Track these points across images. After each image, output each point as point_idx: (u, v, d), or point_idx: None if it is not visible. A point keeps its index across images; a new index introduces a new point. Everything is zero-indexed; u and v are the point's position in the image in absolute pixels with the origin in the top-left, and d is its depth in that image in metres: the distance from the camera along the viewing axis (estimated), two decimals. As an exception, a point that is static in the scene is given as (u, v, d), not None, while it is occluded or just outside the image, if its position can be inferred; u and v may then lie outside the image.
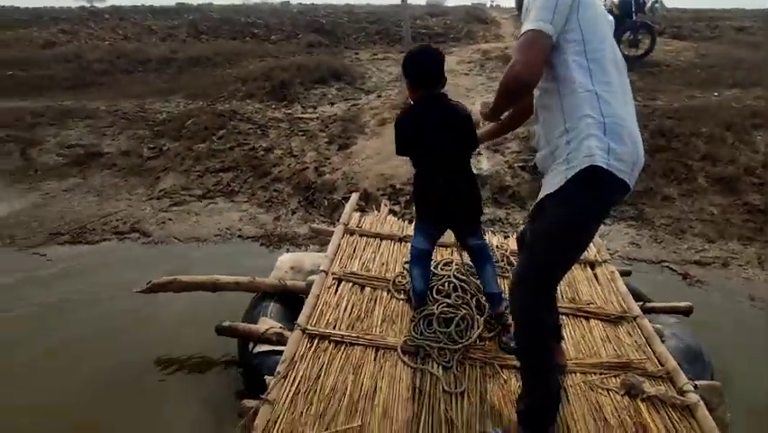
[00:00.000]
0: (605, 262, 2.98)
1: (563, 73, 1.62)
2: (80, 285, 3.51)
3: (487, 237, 3.22)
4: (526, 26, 1.59)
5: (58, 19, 12.69)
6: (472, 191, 2.27)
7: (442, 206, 2.22)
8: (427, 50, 2.17)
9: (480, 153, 4.93)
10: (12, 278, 3.58)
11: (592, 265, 2.95)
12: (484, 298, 2.40)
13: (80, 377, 2.66)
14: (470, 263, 2.51)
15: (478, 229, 2.39)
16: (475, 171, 2.23)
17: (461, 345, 2.19)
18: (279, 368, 2.02)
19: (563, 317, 2.40)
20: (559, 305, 2.20)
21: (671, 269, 3.80)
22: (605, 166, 1.54)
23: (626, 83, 1.69)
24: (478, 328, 2.28)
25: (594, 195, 1.61)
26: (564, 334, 2.24)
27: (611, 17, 1.78)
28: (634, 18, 7.70)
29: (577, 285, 2.76)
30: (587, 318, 2.51)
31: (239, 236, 4.20)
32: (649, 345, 2.33)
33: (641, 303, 2.68)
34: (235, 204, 4.67)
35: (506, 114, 1.99)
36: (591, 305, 2.59)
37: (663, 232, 4.21)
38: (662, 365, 2.20)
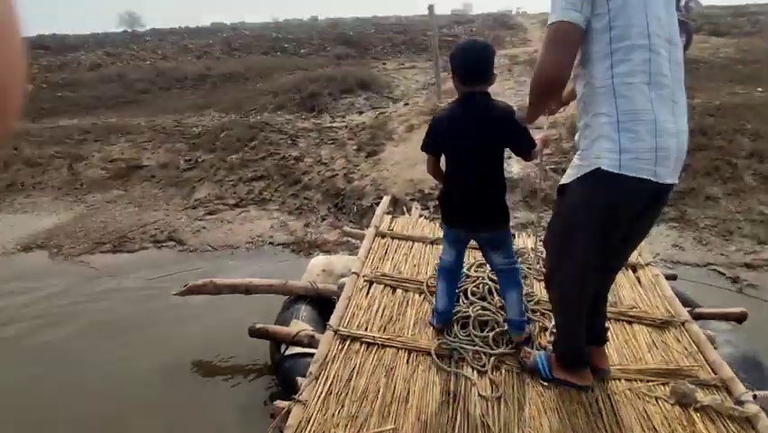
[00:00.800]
0: (648, 264, 2.84)
1: (588, 60, 1.55)
2: (119, 291, 3.63)
3: (522, 239, 3.15)
4: (553, 16, 1.50)
5: (103, 43, 13.39)
6: (499, 200, 2.03)
7: (465, 211, 2.03)
8: (476, 45, 1.92)
9: (509, 157, 4.83)
10: (58, 286, 3.73)
11: (634, 268, 2.81)
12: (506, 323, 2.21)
13: (115, 376, 2.71)
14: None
15: (504, 246, 2.10)
16: (506, 175, 2.02)
17: (498, 352, 2.12)
18: (312, 368, 2.00)
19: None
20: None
21: (718, 272, 3.59)
22: (613, 169, 1.51)
23: (667, 67, 1.51)
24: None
25: (598, 197, 1.58)
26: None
27: None
28: None
29: (618, 289, 2.63)
30: (629, 323, 2.38)
31: (270, 243, 4.25)
32: (700, 352, 2.18)
33: (689, 309, 2.53)
34: (267, 212, 4.73)
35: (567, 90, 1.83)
36: (634, 309, 2.46)
37: (709, 233, 3.99)
38: (715, 373, 2.05)
